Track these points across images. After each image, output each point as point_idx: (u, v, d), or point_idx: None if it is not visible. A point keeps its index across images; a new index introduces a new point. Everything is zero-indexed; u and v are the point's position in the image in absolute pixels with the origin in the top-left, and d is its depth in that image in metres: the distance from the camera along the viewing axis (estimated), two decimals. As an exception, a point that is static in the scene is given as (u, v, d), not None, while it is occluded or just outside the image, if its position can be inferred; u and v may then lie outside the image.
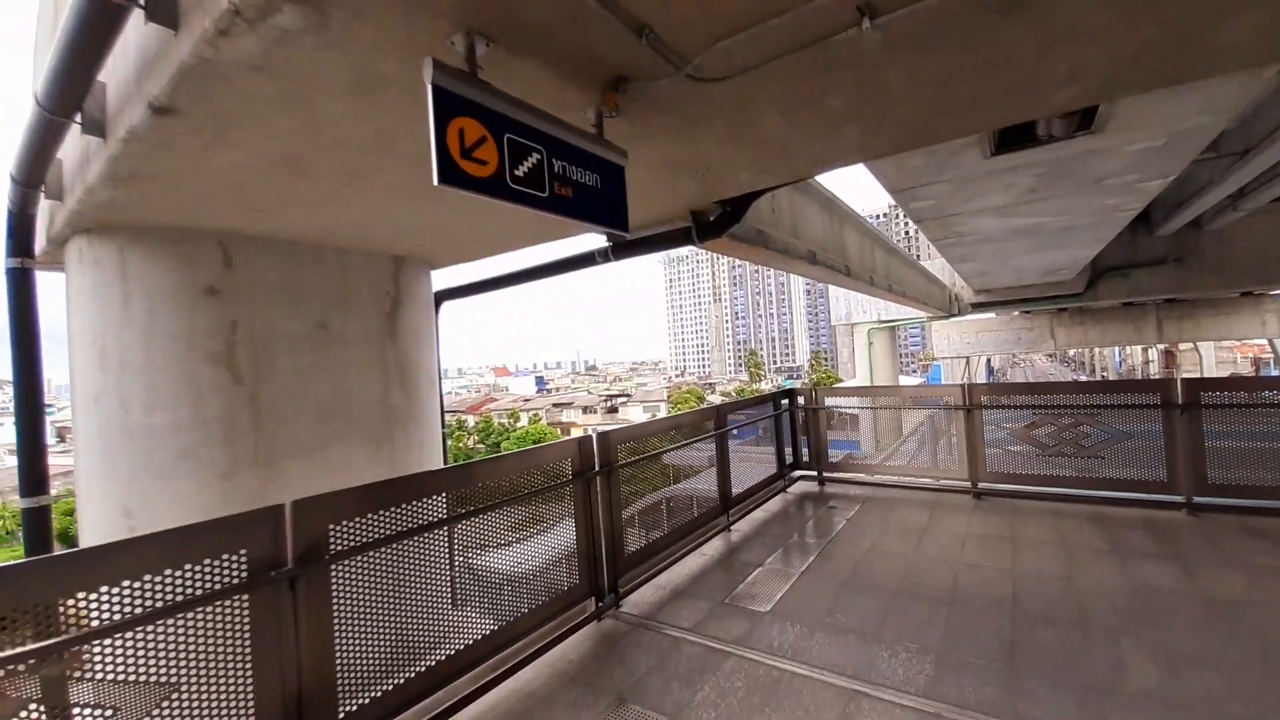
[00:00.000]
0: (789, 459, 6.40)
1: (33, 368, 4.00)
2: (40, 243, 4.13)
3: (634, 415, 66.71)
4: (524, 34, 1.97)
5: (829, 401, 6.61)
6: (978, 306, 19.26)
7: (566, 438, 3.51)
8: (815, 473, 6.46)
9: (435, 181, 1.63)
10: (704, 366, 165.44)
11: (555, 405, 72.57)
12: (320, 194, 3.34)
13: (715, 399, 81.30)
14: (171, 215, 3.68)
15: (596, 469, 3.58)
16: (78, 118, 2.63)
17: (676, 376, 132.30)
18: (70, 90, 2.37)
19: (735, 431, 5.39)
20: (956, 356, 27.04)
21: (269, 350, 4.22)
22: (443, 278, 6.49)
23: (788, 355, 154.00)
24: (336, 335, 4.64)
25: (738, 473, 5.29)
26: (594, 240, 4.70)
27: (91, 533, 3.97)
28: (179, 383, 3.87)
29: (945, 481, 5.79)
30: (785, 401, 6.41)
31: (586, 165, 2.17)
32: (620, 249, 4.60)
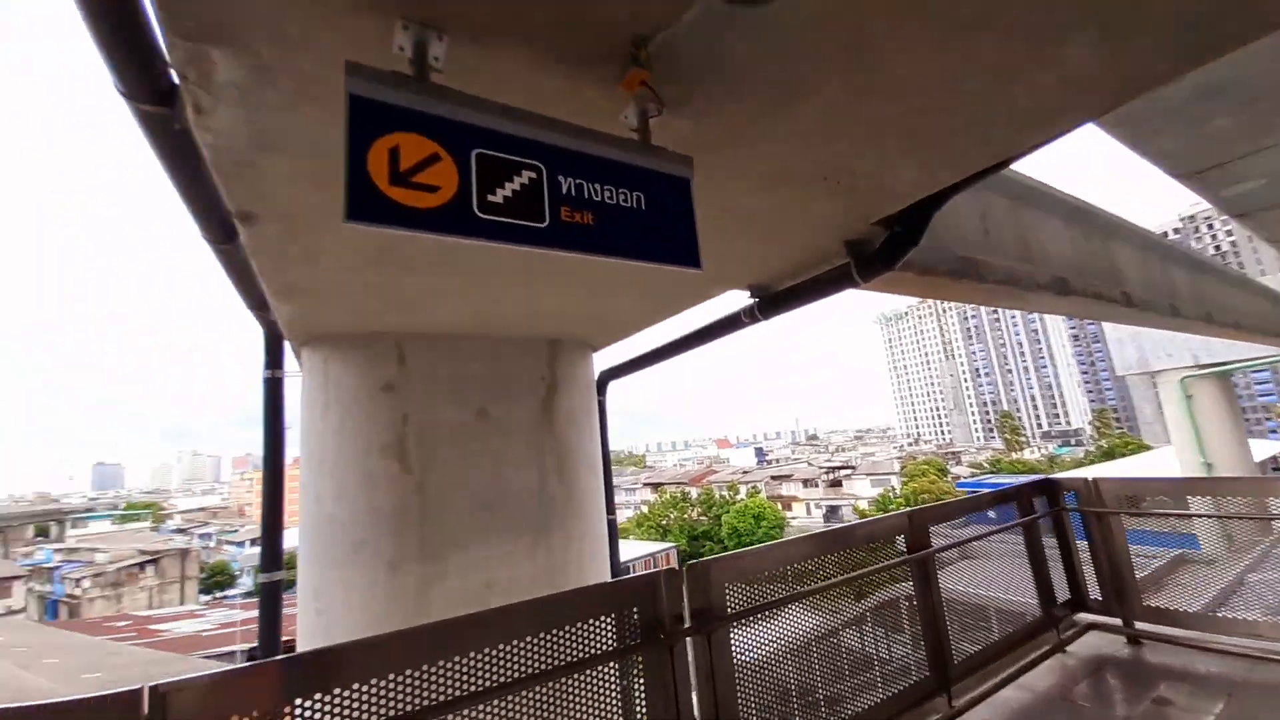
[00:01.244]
0: (1063, 594, 4.11)
1: (278, 461, 4.74)
2: (289, 356, 5.03)
3: (859, 489, 60.10)
4: (488, 15, 1.50)
5: (1126, 495, 4.12)
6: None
7: (622, 577, 2.42)
8: (1118, 620, 3.99)
9: (343, 218, 1.24)
10: (943, 433, 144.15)
11: (774, 478, 69.58)
12: (437, 286, 3.37)
13: (962, 471, 69.13)
14: (354, 323, 4.13)
15: (687, 624, 2.39)
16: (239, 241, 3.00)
17: (909, 445, 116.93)
18: (209, 216, 2.65)
19: (967, 541, 3.69)
20: (1352, 406, 18.50)
21: (434, 441, 4.38)
22: (608, 358, 6.41)
23: (1056, 417, 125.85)
24: (495, 424, 4.68)
25: (964, 616, 3.46)
26: (740, 299, 4.05)
27: (301, 609, 4.38)
28: (358, 476, 4.17)
29: None
30: (1041, 500, 4.21)
31: (622, 181, 1.60)
32: (767, 306, 3.79)
